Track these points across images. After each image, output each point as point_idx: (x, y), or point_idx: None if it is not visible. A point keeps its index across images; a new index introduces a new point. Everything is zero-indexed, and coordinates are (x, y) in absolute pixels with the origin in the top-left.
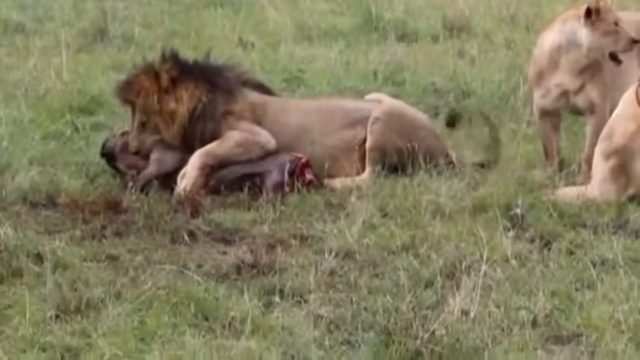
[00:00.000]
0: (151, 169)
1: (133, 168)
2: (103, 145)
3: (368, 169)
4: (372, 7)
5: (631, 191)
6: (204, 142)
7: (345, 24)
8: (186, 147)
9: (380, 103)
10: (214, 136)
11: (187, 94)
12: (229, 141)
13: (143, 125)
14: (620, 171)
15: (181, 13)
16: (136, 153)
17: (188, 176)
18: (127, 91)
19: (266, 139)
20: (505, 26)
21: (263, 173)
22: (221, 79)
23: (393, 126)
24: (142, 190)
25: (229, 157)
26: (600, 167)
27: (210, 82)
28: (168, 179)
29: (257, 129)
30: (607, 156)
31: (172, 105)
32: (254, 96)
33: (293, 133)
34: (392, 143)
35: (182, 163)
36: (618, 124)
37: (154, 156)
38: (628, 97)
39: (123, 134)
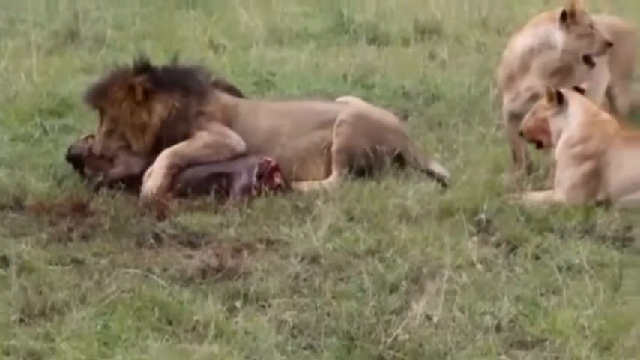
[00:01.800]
0: (118, 170)
1: (99, 172)
2: (69, 150)
3: (334, 172)
4: (343, 9)
5: (600, 197)
6: (175, 143)
7: (316, 26)
8: (156, 150)
9: (347, 105)
10: (185, 137)
11: (160, 104)
12: (198, 142)
13: (110, 132)
14: (592, 176)
15: (153, 15)
16: (101, 157)
17: (154, 175)
18: (99, 99)
19: (236, 141)
20: (476, 29)
21: (231, 175)
22: (193, 81)
23: (359, 128)
24: (109, 187)
25: (197, 157)
26: (570, 172)
27: (182, 86)
28: (134, 182)
29: (227, 131)
30: (580, 160)
31: (144, 117)
32: (225, 97)
33: (263, 135)
34: (359, 146)
35: (149, 164)
36: (593, 128)
37: (119, 159)
38: (586, 102)
39: (88, 138)
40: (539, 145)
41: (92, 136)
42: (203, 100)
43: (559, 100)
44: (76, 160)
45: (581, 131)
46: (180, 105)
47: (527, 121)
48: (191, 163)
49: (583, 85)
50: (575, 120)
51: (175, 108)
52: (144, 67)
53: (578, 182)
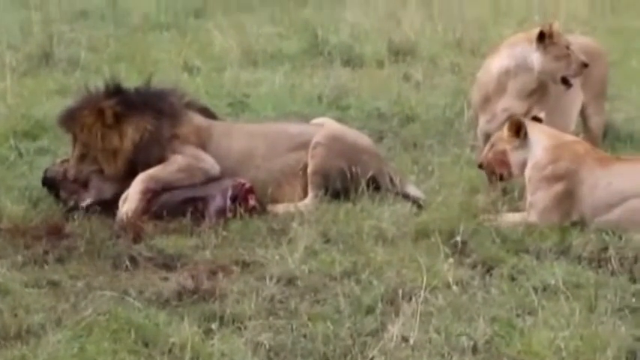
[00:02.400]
0: (89, 195)
1: (73, 196)
2: (45, 174)
3: (310, 194)
4: (318, 31)
5: (574, 217)
6: (149, 167)
7: (291, 48)
8: (130, 174)
9: (322, 127)
10: (160, 161)
11: (132, 128)
12: (172, 165)
13: (83, 157)
14: (565, 197)
15: (127, 37)
16: (74, 181)
17: (130, 200)
18: (70, 123)
19: (210, 165)
20: (450, 51)
21: (206, 198)
22: (165, 104)
23: (334, 150)
24: (85, 211)
25: (172, 181)
26: (542, 194)
27: (154, 109)
28: (109, 205)
29: (201, 154)
30: (551, 182)
31: (116, 142)
32: (199, 119)
33: (237, 157)
34: (334, 167)
35: (122, 189)
36: (560, 150)
37: (92, 182)
38: (547, 129)
39: (63, 162)
40: (500, 177)
41: (67, 160)
42: (176, 122)
43: (518, 132)
44: (51, 184)
45: (548, 154)
46: (153, 128)
47: (485, 154)
48: (166, 186)
49: (541, 115)
50: (539, 145)
51: (148, 131)
52: (115, 91)
53: (550, 204)
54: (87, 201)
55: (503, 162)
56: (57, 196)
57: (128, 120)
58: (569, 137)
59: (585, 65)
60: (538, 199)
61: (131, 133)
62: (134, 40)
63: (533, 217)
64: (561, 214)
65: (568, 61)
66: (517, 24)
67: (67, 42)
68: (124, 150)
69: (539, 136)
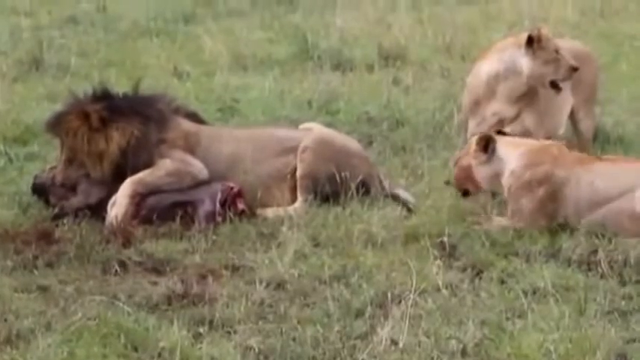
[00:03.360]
0: (77, 199)
1: (62, 202)
2: (34, 181)
3: (299, 198)
4: (307, 36)
5: (560, 219)
6: (137, 171)
7: (280, 53)
8: (119, 178)
9: (310, 131)
10: (148, 165)
11: (118, 132)
12: (161, 170)
13: (70, 161)
14: (549, 199)
15: (117, 43)
16: (63, 186)
17: (118, 204)
18: (56, 127)
19: (198, 169)
20: (440, 55)
21: (195, 202)
22: (152, 110)
23: (323, 154)
24: (74, 216)
25: (160, 185)
26: (525, 200)
27: (142, 115)
28: (99, 209)
29: (190, 158)
30: (532, 186)
31: (102, 145)
32: (187, 124)
33: (226, 161)
34: (323, 171)
35: (110, 193)
36: (537, 154)
37: (81, 187)
38: (515, 139)
39: (52, 169)
40: (466, 193)
41: (56, 167)
42: (163, 127)
43: (486, 147)
44: (41, 190)
45: (524, 160)
46: (140, 133)
47: (453, 171)
48: (154, 190)
49: (507, 130)
50: (512, 154)
51: (135, 136)
52: (102, 95)
53: (535, 208)
54: (75, 205)
55: (468, 177)
56: (47, 202)
57: (114, 124)
58: (542, 141)
59: (575, 69)
60: (522, 205)
61: (117, 138)
62: (124, 45)
63: (520, 223)
64: (547, 217)
65: (557, 66)
66: (507, 28)
67: (57, 48)
68: (110, 153)
69: (509, 147)
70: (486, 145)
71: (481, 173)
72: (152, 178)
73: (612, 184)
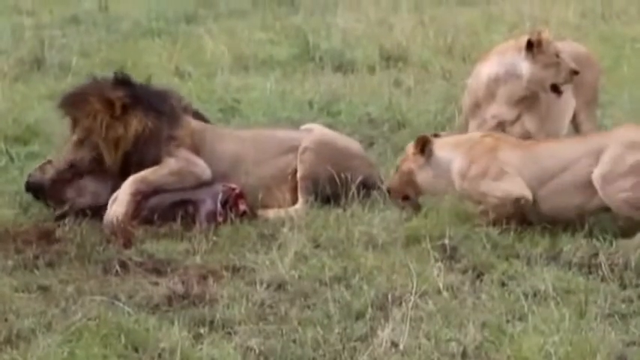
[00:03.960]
0: (85, 200)
1: (61, 202)
2: (28, 179)
3: (300, 199)
4: (309, 36)
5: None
6: (142, 167)
7: (282, 54)
8: (123, 172)
9: (310, 132)
10: (155, 162)
11: (136, 120)
12: (164, 169)
13: (81, 142)
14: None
15: (119, 42)
16: (63, 183)
17: (119, 201)
18: (75, 107)
19: (202, 169)
20: (442, 56)
21: (196, 202)
22: (166, 105)
23: (323, 155)
24: (75, 215)
25: (163, 184)
26: (486, 194)
27: (156, 108)
28: (101, 211)
29: (194, 158)
30: (483, 178)
31: (120, 132)
32: (195, 123)
33: (229, 162)
34: (323, 172)
35: (113, 190)
36: (474, 148)
37: (89, 188)
38: (451, 137)
39: (44, 165)
40: (405, 197)
41: (50, 161)
42: (174, 124)
43: (423, 149)
44: (36, 189)
45: (466, 157)
46: (153, 126)
47: (392, 180)
48: (156, 189)
49: (440, 135)
50: (452, 154)
51: (149, 128)
52: (123, 82)
53: (499, 195)
54: (81, 205)
55: (410, 182)
56: (40, 199)
57: (133, 112)
58: (475, 134)
59: (575, 72)
60: (487, 199)
61: (134, 125)
62: (126, 45)
63: (491, 216)
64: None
65: (557, 69)
66: (508, 30)
67: (59, 47)
68: (126, 140)
69: (446, 147)
70: (423, 147)
71: (422, 176)
72: (155, 176)
73: (556, 160)
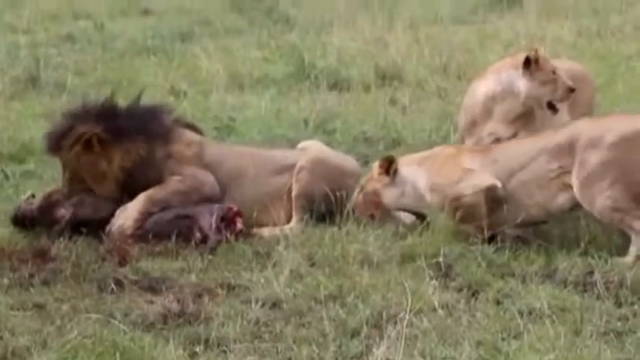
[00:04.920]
0: (85, 211)
1: (52, 224)
2: (16, 212)
3: (295, 217)
4: (304, 55)
5: None
6: (147, 188)
7: (277, 72)
8: (128, 195)
9: (306, 150)
10: (158, 181)
11: (120, 152)
12: (171, 187)
13: (72, 179)
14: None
15: (114, 61)
16: (53, 207)
17: (128, 215)
18: (55, 149)
19: (210, 186)
20: (437, 75)
21: (193, 218)
22: (155, 124)
23: (318, 173)
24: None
25: (171, 202)
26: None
27: (145, 132)
28: (99, 225)
29: (201, 174)
30: (453, 186)
31: (103, 167)
32: (189, 134)
33: (226, 177)
34: (318, 191)
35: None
36: (437, 161)
37: (88, 199)
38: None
39: (29, 198)
40: (372, 217)
41: (33, 196)
42: (168, 141)
43: (388, 169)
44: (25, 221)
45: (430, 171)
46: (145, 152)
47: (356, 200)
48: (164, 207)
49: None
50: (416, 171)
51: (140, 156)
52: (100, 113)
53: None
54: (80, 214)
55: (375, 202)
56: (34, 228)
57: (116, 146)
58: (436, 148)
59: (572, 90)
60: (461, 201)
61: (119, 159)
62: (121, 64)
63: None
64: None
65: (554, 87)
66: (503, 48)
67: (54, 66)
68: (112, 173)
69: (411, 165)
70: (389, 167)
71: (387, 195)
72: (164, 195)
73: (514, 159)
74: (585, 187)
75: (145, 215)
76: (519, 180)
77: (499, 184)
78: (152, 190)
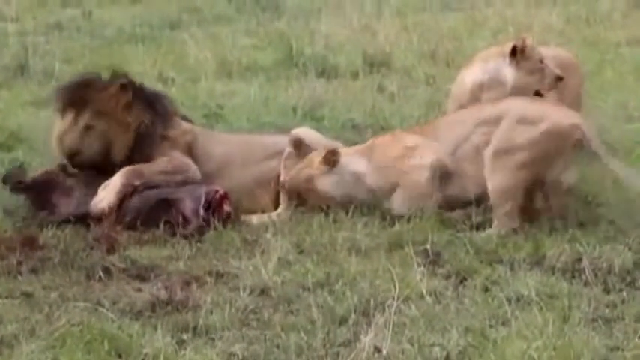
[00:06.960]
0: (70, 209)
1: (43, 205)
2: (7, 175)
3: (282, 204)
4: (292, 42)
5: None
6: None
7: (265, 59)
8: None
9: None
10: (147, 160)
11: (139, 113)
12: (159, 166)
13: (89, 128)
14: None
15: (102, 48)
16: (73, 155)
17: (110, 188)
18: (82, 92)
19: (193, 172)
20: (425, 62)
21: (178, 203)
22: (160, 105)
23: None
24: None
25: (154, 181)
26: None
27: (152, 107)
28: (85, 220)
29: (187, 161)
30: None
31: (129, 118)
32: (185, 125)
33: (216, 165)
34: None
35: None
36: (375, 149)
37: (76, 194)
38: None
39: (21, 166)
40: (301, 203)
41: (22, 165)
42: (168, 124)
43: (332, 160)
44: (14, 182)
45: (374, 155)
46: (149, 123)
47: (290, 179)
48: (146, 185)
49: None
50: (361, 159)
51: (144, 125)
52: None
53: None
54: (66, 212)
55: (308, 189)
56: (20, 193)
57: (136, 107)
58: (374, 139)
59: (560, 78)
60: (408, 179)
61: (139, 117)
62: (109, 51)
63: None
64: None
65: (542, 75)
66: (492, 35)
67: (42, 54)
68: (134, 126)
69: (351, 155)
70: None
71: (324, 182)
72: (149, 172)
73: (453, 133)
74: (495, 157)
75: (127, 188)
76: (462, 154)
77: (442, 158)
78: (138, 165)
